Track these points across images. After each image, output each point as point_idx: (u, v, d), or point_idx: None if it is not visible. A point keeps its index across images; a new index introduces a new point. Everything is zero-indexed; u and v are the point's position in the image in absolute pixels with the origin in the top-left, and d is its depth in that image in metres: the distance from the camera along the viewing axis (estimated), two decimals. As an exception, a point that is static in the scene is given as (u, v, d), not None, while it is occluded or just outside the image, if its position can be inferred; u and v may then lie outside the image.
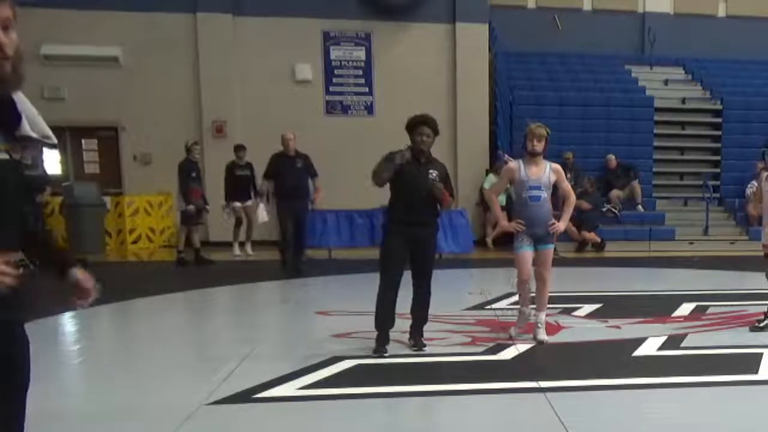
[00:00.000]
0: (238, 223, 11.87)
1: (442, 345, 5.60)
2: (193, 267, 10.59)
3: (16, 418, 2.21)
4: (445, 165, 5.72)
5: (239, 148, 11.65)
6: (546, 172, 5.77)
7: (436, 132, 5.42)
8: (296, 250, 9.69)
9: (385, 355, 5.22)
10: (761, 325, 6.14)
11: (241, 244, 11.93)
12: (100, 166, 13.75)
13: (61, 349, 5.82)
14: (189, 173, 10.61)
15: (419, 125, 5.32)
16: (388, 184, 5.41)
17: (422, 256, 5.40)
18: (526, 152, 5.79)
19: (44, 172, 11.34)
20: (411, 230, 5.27)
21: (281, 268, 9.64)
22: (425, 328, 5.63)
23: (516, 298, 7.74)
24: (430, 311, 5.64)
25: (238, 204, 11.72)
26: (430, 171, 5.37)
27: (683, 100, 15.91)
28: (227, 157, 12.09)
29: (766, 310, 6.21)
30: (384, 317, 5.30)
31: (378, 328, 5.32)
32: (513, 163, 5.94)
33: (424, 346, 5.47)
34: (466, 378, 4.69)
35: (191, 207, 10.53)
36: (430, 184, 5.28)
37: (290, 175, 9.53)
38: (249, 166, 11.66)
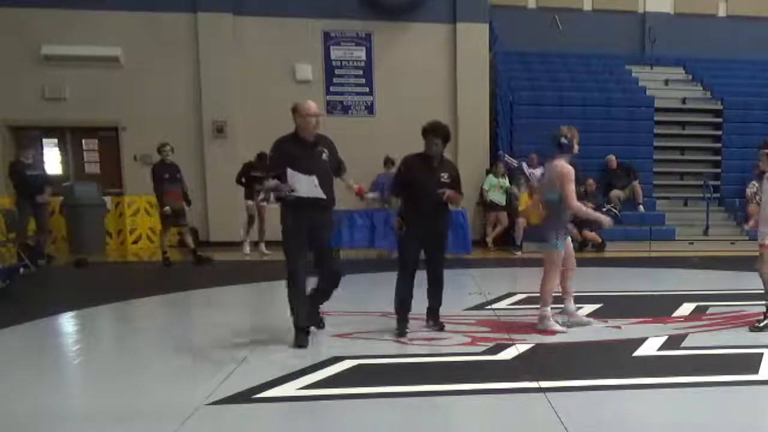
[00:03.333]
0: (250, 221, 11.83)
1: (442, 345, 5.60)
2: (193, 267, 10.60)
3: None
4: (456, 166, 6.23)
5: (262, 157, 11.52)
6: None
7: (446, 139, 5.93)
8: (321, 291, 5.84)
9: (407, 333, 5.83)
10: (761, 325, 6.15)
11: (255, 244, 11.88)
12: (101, 166, 13.75)
13: (61, 349, 5.83)
14: (161, 175, 10.47)
15: (430, 134, 5.85)
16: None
17: (436, 247, 5.98)
18: (572, 154, 6.20)
19: (44, 171, 11.37)
20: (424, 225, 5.80)
21: (295, 335, 5.59)
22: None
23: (517, 298, 7.79)
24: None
25: (250, 202, 11.70)
26: (442, 174, 5.85)
27: (683, 100, 15.91)
28: (227, 157, 12.11)
29: (765, 310, 6.22)
30: (404, 302, 5.90)
31: (398, 312, 5.92)
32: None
33: (443, 326, 6.07)
34: (466, 378, 4.69)
35: (167, 209, 10.44)
36: (438, 196, 5.77)
37: (308, 172, 5.44)
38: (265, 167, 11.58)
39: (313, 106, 5.46)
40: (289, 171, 5.25)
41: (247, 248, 11.83)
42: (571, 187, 5.91)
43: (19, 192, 10.70)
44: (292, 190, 5.29)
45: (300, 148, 5.41)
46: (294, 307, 5.51)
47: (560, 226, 6.01)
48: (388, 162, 12.45)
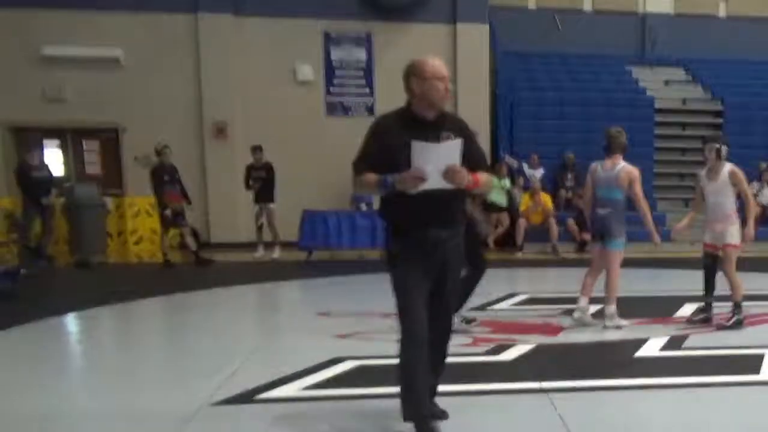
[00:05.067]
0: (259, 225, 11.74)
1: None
2: (194, 268, 10.60)
3: None
4: None
5: (255, 150, 11.45)
6: None
7: None
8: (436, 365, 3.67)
9: None
10: (729, 323, 6.28)
11: (268, 245, 11.68)
12: (102, 167, 13.76)
13: (63, 350, 5.83)
14: (162, 177, 10.50)
15: None
16: None
17: None
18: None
19: (49, 173, 11.39)
20: None
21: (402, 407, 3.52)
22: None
23: (519, 299, 7.81)
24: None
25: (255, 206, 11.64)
26: None
27: (684, 101, 15.92)
28: (228, 158, 12.09)
29: (732, 307, 6.37)
30: None
31: None
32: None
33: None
34: (467, 379, 4.69)
35: (168, 211, 10.47)
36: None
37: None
38: (266, 167, 11.45)
39: (437, 64, 3.68)
40: (415, 143, 3.25)
41: (261, 251, 11.63)
42: (640, 188, 6.36)
43: (26, 194, 10.71)
44: (387, 183, 3.31)
45: (411, 129, 3.42)
46: (407, 382, 3.44)
47: (623, 224, 6.28)
48: None
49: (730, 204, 6.27)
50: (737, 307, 6.35)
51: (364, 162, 3.45)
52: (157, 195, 10.58)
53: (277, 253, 11.54)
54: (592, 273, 6.45)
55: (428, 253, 3.42)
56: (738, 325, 6.27)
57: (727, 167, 6.25)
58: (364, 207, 11.87)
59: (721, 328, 6.30)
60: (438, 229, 3.42)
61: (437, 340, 3.56)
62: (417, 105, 3.56)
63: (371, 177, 3.38)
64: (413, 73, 3.62)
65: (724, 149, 6.25)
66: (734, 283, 6.33)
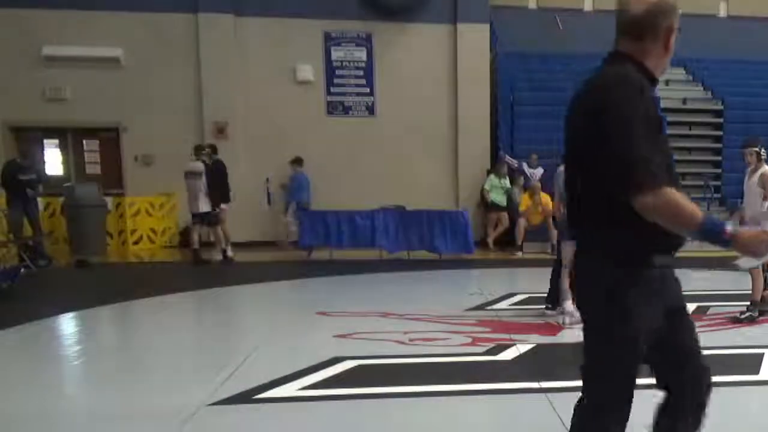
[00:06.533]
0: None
1: (443, 345, 5.60)
2: (193, 268, 10.61)
3: None
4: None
5: (194, 150, 11.17)
6: None
7: None
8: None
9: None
10: (743, 317, 6.47)
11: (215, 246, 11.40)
12: (102, 166, 13.77)
13: (62, 350, 5.83)
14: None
15: None
16: None
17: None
18: None
19: (39, 174, 11.41)
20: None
21: None
22: (425, 327, 5.64)
23: (518, 298, 7.80)
24: (431, 312, 5.66)
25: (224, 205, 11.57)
26: None
27: (684, 101, 15.91)
28: (229, 158, 12.07)
29: (749, 303, 6.57)
30: None
31: None
32: None
33: None
34: (466, 379, 4.69)
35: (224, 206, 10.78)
36: None
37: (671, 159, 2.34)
38: (212, 167, 10.95)
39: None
40: None
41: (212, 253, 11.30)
42: None
43: (8, 191, 10.77)
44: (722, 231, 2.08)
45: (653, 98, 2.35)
46: None
47: None
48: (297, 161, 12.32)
49: (758, 205, 6.43)
50: (753, 305, 6.54)
51: (658, 166, 2.06)
52: (223, 190, 10.78)
53: (229, 252, 11.01)
54: (568, 272, 6.43)
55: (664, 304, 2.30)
56: (750, 321, 6.44)
57: (763, 169, 6.39)
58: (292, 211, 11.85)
59: (734, 321, 6.47)
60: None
61: (686, 403, 2.63)
62: (656, 64, 2.51)
63: (690, 210, 2.03)
64: (673, 24, 2.43)
65: (764, 151, 6.40)
66: (756, 283, 6.52)
